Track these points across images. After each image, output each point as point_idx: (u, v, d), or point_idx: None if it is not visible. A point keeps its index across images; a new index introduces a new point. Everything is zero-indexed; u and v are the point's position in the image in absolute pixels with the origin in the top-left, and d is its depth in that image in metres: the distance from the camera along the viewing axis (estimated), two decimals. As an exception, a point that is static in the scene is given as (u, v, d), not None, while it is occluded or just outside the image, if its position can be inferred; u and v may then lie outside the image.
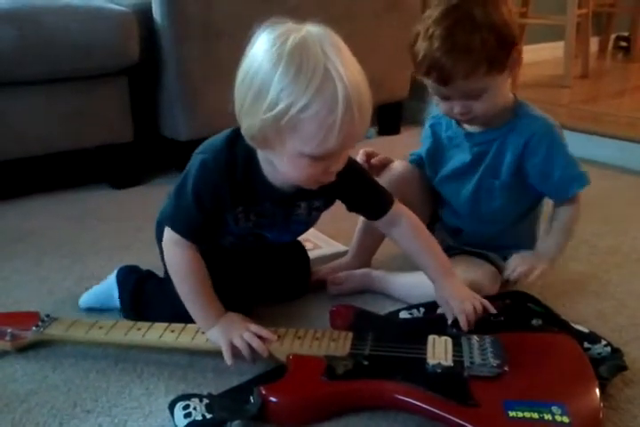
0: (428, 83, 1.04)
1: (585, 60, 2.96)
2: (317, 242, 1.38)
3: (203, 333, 0.95)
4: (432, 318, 1.02)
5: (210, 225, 0.95)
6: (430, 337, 0.92)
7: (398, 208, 1.03)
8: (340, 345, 0.92)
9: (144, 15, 1.72)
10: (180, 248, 0.94)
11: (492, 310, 0.97)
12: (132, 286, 1.08)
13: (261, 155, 0.91)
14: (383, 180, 1.16)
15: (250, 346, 0.90)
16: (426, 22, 1.00)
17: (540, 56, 3.21)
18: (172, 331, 0.97)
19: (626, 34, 3.76)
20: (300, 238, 1.17)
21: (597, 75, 3.00)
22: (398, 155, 1.29)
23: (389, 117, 2.39)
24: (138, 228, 1.48)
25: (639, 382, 0.93)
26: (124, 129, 1.79)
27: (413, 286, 1.12)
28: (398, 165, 1.22)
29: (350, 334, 0.94)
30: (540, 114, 1.09)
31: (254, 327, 0.93)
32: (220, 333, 0.93)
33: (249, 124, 0.82)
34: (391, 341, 0.92)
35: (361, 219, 1.22)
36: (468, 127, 1.12)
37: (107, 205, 1.71)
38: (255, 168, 0.92)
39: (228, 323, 0.94)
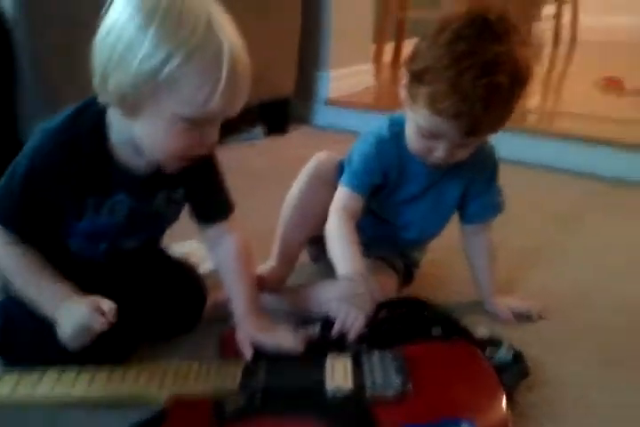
0: (433, 118, 0.89)
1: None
2: (202, 255, 1.23)
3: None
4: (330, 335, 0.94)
5: (40, 216, 0.83)
6: (329, 358, 0.84)
7: (233, 225, 0.95)
8: (229, 378, 0.82)
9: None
10: (8, 244, 0.82)
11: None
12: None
13: (118, 126, 0.80)
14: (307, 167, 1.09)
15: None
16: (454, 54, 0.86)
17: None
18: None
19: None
20: (181, 253, 1.05)
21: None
22: (288, 155, 1.21)
23: (275, 116, 2.30)
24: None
25: (541, 386, 0.91)
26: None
27: (308, 297, 1.04)
28: (323, 160, 1.10)
29: (241, 364, 0.85)
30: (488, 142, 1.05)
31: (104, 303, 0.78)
32: (68, 311, 0.78)
33: (118, 80, 0.72)
34: (287, 367, 0.84)
35: (284, 208, 1.11)
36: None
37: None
38: (105, 144, 0.81)
39: (75, 302, 0.79)
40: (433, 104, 0.88)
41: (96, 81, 0.75)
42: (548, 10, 4.05)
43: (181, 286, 1.01)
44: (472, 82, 0.84)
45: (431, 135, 0.93)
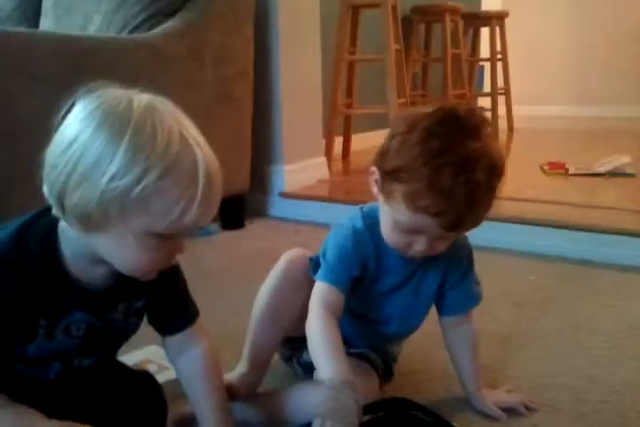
0: (413, 215, 0.86)
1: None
2: (163, 362, 1.14)
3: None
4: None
5: None
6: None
7: (200, 331, 0.89)
8: None
9: None
10: None
11: None
12: None
13: (72, 241, 0.73)
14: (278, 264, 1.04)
15: None
16: (429, 151, 0.84)
17: (366, 144, 3.35)
18: None
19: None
20: (138, 360, 0.96)
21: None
22: (247, 249, 1.16)
23: (232, 212, 2.27)
24: None
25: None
26: None
27: (284, 405, 0.96)
28: (293, 258, 1.05)
29: None
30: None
31: None
32: None
33: (81, 198, 0.66)
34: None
35: (254, 311, 1.04)
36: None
37: None
38: (58, 263, 0.74)
39: None
40: (412, 202, 0.85)
41: (51, 196, 0.69)
42: (483, 102, 4.28)
43: (140, 399, 0.91)
44: (451, 179, 0.82)
45: (410, 231, 0.90)
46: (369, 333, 1.05)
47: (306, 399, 0.92)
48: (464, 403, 1.05)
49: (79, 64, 1.64)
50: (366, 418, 0.88)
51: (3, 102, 1.51)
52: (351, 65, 3.10)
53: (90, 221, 0.68)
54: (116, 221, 0.68)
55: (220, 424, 0.85)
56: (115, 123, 0.66)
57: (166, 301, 0.86)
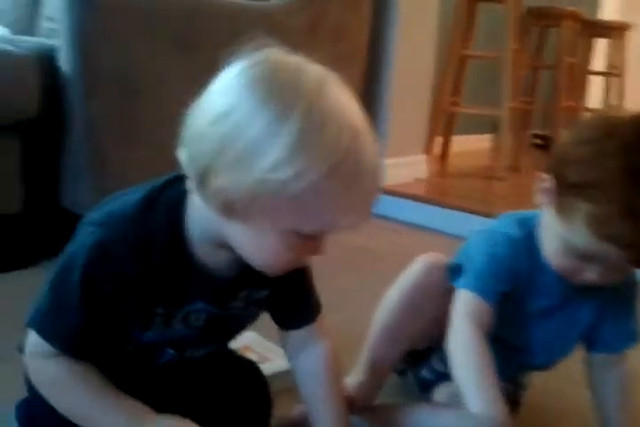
0: (596, 243, 0.73)
1: (516, 154, 2.94)
2: (263, 352, 1.03)
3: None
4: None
5: (101, 334, 0.64)
6: None
7: (323, 326, 0.78)
8: None
9: (48, 62, 1.43)
10: (53, 356, 0.63)
11: None
12: None
13: (203, 222, 0.62)
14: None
15: None
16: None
17: (466, 147, 3.18)
18: None
19: (539, 132, 3.83)
20: (237, 346, 0.86)
21: (527, 168, 2.95)
22: (345, 245, 1.02)
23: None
24: (21, 326, 1.10)
25: None
26: (10, 197, 1.44)
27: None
28: (431, 264, 0.92)
29: None
30: None
31: None
32: None
33: (230, 182, 0.55)
34: None
35: (378, 318, 0.92)
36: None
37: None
38: (182, 243, 0.64)
39: None
40: (598, 228, 0.71)
41: (191, 167, 0.58)
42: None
43: (245, 393, 0.82)
44: None
45: (586, 257, 0.76)
46: (506, 360, 0.89)
47: (440, 425, 0.79)
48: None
49: (199, 25, 1.57)
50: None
51: (125, 58, 1.46)
52: (462, 60, 2.93)
53: (232, 209, 0.57)
54: (261, 216, 0.57)
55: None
56: (282, 100, 0.55)
57: (291, 293, 0.75)
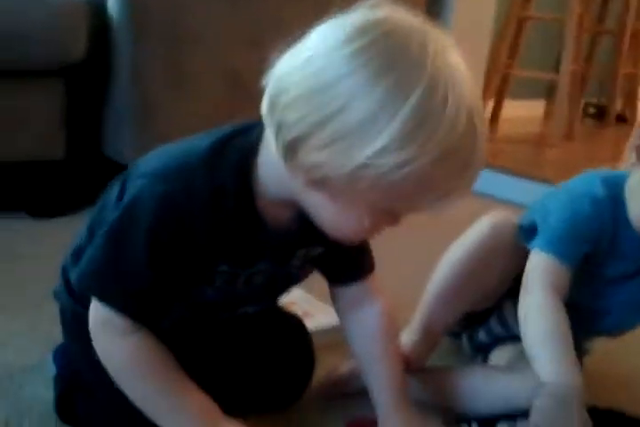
0: None
1: (571, 122, 2.81)
2: (308, 307, 0.99)
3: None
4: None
5: (165, 294, 0.59)
6: None
7: (375, 284, 0.73)
8: None
9: (97, 5, 1.39)
10: (120, 335, 0.58)
11: None
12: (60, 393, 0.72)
13: (276, 178, 0.57)
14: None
15: None
16: None
17: (516, 113, 3.06)
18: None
19: (594, 101, 3.68)
20: (282, 302, 0.83)
21: (580, 137, 2.84)
22: None
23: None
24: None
25: None
26: (54, 143, 1.41)
27: (472, 390, 0.78)
28: (500, 221, 0.86)
29: None
30: None
31: None
32: None
33: (327, 160, 0.50)
34: None
35: (436, 278, 0.87)
36: None
37: (22, 240, 1.30)
38: (253, 200, 0.59)
39: None
40: None
41: (280, 133, 0.52)
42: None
43: (289, 348, 0.79)
44: None
45: None
46: (576, 324, 0.84)
47: (502, 391, 0.76)
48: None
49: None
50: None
51: (176, 2, 1.41)
52: (520, 22, 2.79)
53: (322, 183, 0.52)
54: (354, 195, 0.52)
55: (399, 397, 0.70)
56: (402, 75, 0.48)
57: (347, 251, 0.69)
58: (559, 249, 0.77)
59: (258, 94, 0.54)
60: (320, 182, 0.52)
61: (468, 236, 0.86)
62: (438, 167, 0.50)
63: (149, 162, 0.61)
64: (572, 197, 0.79)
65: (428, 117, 0.48)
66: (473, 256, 0.84)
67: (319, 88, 0.49)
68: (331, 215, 0.56)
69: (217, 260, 0.61)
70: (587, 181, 0.81)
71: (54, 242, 1.29)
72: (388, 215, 0.56)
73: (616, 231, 0.78)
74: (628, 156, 0.76)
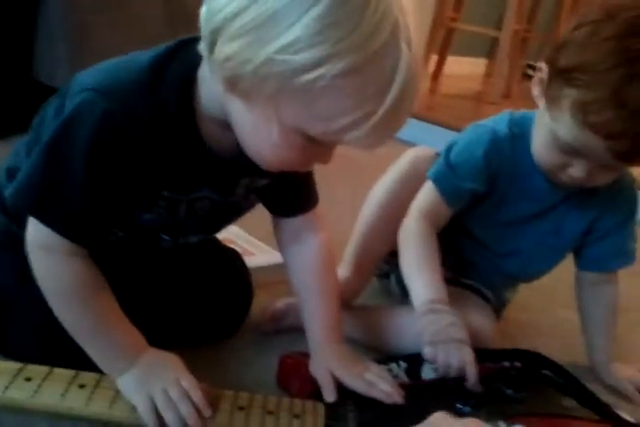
0: (581, 133, 0.68)
1: (510, 81, 2.86)
2: (247, 246, 0.99)
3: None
4: (433, 384, 0.71)
5: (104, 215, 0.57)
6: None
7: (317, 218, 0.73)
8: (307, 425, 0.60)
9: None
10: (57, 256, 0.56)
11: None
12: None
13: (210, 93, 0.55)
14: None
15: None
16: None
17: (460, 70, 3.08)
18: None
19: (533, 63, 3.74)
20: (219, 237, 0.83)
21: (518, 96, 2.88)
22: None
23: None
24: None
25: None
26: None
27: (400, 330, 0.81)
28: (419, 155, 0.88)
29: (321, 407, 0.63)
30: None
31: (187, 381, 0.57)
32: (136, 383, 0.58)
33: (237, 53, 0.47)
34: (382, 417, 0.63)
35: (364, 213, 0.89)
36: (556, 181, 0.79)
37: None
38: (194, 122, 0.57)
39: (149, 367, 0.58)
40: (584, 115, 0.67)
41: (205, 28, 0.50)
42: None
43: (227, 279, 0.79)
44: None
45: (571, 151, 0.72)
46: (487, 266, 0.88)
47: (407, 327, 0.79)
48: (585, 371, 0.87)
49: None
50: (490, 365, 0.74)
51: None
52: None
53: (237, 86, 0.49)
54: (266, 101, 0.49)
55: (332, 330, 0.71)
56: None
57: (291, 183, 0.69)
58: (441, 183, 0.80)
59: (198, 17, 0.52)
60: (232, 83, 0.49)
61: (389, 173, 0.87)
62: (349, 82, 0.46)
63: (90, 76, 0.58)
64: (476, 132, 0.81)
65: (345, 19, 0.45)
66: (394, 189, 0.86)
67: None
68: (248, 130, 0.53)
69: (157, 183, 0.59)
70: (497, 118, 0.82)
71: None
72: (310, 143, 0.52)
73: (518, 172, 0.80)
74: (532, 90, 0.76)
